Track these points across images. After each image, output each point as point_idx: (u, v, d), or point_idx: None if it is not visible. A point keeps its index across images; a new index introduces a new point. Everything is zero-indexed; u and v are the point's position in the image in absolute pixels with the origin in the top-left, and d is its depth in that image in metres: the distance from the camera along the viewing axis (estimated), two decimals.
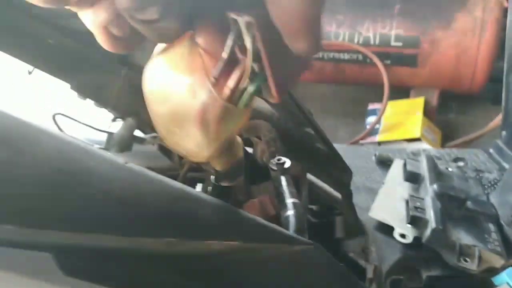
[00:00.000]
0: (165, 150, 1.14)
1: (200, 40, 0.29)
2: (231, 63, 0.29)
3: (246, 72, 0.28)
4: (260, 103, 0.84)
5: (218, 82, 0.29)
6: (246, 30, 0.27)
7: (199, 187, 0.51)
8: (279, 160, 0.72)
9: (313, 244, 0.41)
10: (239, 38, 0.28)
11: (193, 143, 0.31)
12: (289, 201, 0.65)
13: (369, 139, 2.02)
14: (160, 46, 0.31)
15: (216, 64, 0.29)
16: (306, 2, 0.25)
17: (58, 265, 0.29)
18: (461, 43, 1.94)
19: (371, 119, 2.14)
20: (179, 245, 0.32)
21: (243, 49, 0.28)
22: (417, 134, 1.85)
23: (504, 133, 1.14)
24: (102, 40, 0.28)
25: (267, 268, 0.39)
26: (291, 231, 0.60)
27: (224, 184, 0.36)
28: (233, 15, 0.27)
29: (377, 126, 2.05)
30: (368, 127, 2.08)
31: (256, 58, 0.28)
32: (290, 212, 0.63)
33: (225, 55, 0.28)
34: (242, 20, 0.26)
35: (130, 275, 0.31)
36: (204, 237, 0.33)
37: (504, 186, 0.91)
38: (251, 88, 0.29)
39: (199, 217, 0.33)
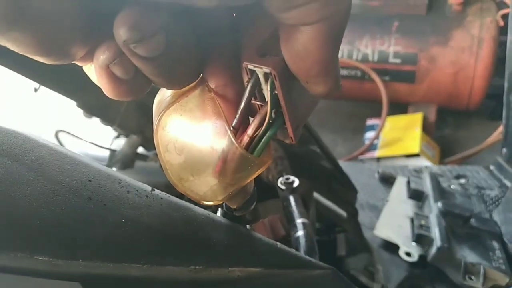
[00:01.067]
0: None
1: (212, 84, 0.28)
2: (249, 111, 0.29)
3: (266, 119, 0.28)
4: None
5: (237, 130, 0.28)
6: (264, 80, 0.27)
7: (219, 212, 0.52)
8: (287, 179, 0.73)
9: (331, 269, 0.41)
10: (256, 87, 0.27)
11: (207, 189, 0.30)
12: (299, 221, 0.66)
13: (368, 155, 2.03)
14: (172, 95, 0.30)
15: (232, 109, 0.28)
16: (321, 45, 0.25)
17: None
18: (459, 60, 1.96)
19: (369, 135, 2.15)
20: (203, 273, 0.32)
21: (260, 96, 0.28)
22: (416, 150, 1.86)
23: (504, 150, 1.15)
24: (105, 85, 0.26)
25: None
26: (301, 252, 0.60)
27: (237, 214, 0.35)
28: (250, 66, 0.26)
29: (375, 141, 2.07)
30: (366, 142, 2.09)
31: (274, 105, 0.27)
32: (300, 233, 0.63)
33: (242, 105, 0.28)
34: (261, 71, 0.26)
35: None
36: (227, 264, 0.33)
37: (507, 204, 0.92)
38: (269, 134, 0.28)
39: (222, 244, 0.33)
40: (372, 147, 2.05)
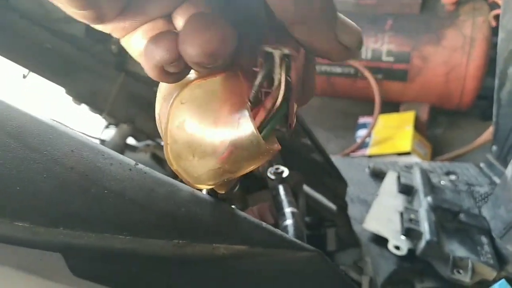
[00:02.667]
0: (158, 159, 1.14)
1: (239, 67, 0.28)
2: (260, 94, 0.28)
3: (278, 102, 0.27)
4: None
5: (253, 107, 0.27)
6: (279, 61, 0.26)
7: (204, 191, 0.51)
8: (277, 169, 0.72)
9: (316, 251, 0.41)
10: (269, 73, 0.27)
11: (203, 172, 0.29)
12: (288, 210, 0.65)
13: (360, 153, 2.03)
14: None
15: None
16: None
17: (67, 265, 0.28)
18: (451, 59, 1.97)
19: (361, 133, 2.15)
20: (187, 248, 0.31)
21: (268, 83, 0.27)
22: (408, 148, 1.87)
23: (494, 148, 1.16)
24: (152, 74, 0.26)
25: (271, 273, 0.39)
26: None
27: (221, 196, 0.35)
28: (268, 48, 0.26)
29: (367, 139, 2.07)
30: (358, 140, 2.09)
31: (287, 88, 0.27)
32: (289, 222, 0.63)
33: (258, 82, 0.27)
34: (279, 53, 0.25)
35: (137, 277, 0.31)
36: (212, 241, 0.32)
37: (496, 200, 0.93)
38: (275, 119, 0.28)
39: (207, 220, 0.33)
40: (364, 145, 2.05)
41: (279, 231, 0.38)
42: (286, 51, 0.25)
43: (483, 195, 1.06)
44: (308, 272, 0.41)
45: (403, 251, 0.83)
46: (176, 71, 0.25)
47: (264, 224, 0.38)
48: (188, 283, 0.33)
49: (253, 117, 0.27)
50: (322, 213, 0.93)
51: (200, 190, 0.34)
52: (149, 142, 1.02)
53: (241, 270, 0.36)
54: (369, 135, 2.05)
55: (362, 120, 2.26)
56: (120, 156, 0.31)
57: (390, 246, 0.84)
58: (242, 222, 0.36)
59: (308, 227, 0.96)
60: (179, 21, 0.26)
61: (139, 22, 0.26)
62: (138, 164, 0.32)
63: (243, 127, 0.26)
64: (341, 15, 0.26)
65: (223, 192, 0.33)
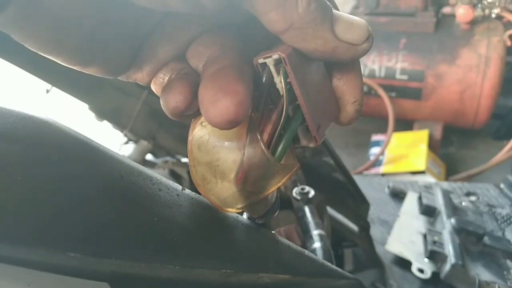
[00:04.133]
0: (176, 175, 1.13)
1: None
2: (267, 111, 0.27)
3: (283, 113, 0.25)
4: None
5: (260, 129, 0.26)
6: (276, 72, 0.25)
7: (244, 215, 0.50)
8: (303, 189, 0.71)
9: (356, 279, 0.40)
10: (270, 81, 0.26)
11: (228, 195, 0.28)
12: (316, 232, 0.64)
13: (373, 171, 2.01)
14: None
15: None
16: None
17: None
18: (465, 78, 1.96)
19: (374, 150, 2.14)
20: (233, 277, 0.30)
21: (275, 98, 0.26)
22: (422, 167, 1.85)
23: None
24: (171, 117, 0.27)
25: None
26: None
27: (259, 222, 0.34)
28: (260, 59, 0.25)
29: (380, 157, 2.05)
30: (371, 158, 2.08)
31: (290, 96, 0.25)
32: (317, 245, 0.62)
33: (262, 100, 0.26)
34: (271, 60, 0.24)
35: None
36: (257, 270, 0.32)
37: None
38: (289, 133, 0.27)
39: (253, 248, 0.32)
40: (377, 163, 2.04)
41: (320, 260, 0.37)
42: (276, 56, 0.24)
43: (505, 217, 1.04)
44: None
45: (427, 274, 0.81)
46: (191, 112, 0.26)
47: (306, 252, 0.37)
48: None
49: (262, 132, 0.26)
50: (342, 233, 0.91)
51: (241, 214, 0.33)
52: (167, 158, 1.02)
53: None
54: (382, 153, 2.04)
55: (375, 138, 2.25)
56: (167, 181, 0.31)
57: (414, 269, 0.83)
58: (285, 250, 0.35)
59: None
60: (193, 62, 0.27)
61: (154, 68, 0.27)
62: (185, 189, 0.31)
63: (252, 145, 0.26)
64: (339, 12, 0.25)
65: (258, 216, 0.33)
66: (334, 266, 0.39)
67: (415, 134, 2.11)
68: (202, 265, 0.29)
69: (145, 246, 0.27)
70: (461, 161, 2.24)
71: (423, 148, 1.95)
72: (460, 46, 1.98)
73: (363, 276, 0.88)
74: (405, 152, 2.01)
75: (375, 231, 0.95)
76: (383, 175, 1.96)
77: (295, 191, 0.71)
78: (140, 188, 0.28)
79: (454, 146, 2.36)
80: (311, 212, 0.67)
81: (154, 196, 0.28)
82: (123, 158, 0.29)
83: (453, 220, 0.88)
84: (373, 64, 2.14)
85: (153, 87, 0.29)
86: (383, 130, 2.17)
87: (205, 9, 0.22)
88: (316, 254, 0.59)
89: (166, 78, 0.28)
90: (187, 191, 0.31)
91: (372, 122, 2.45)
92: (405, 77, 2.08)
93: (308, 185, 0.81)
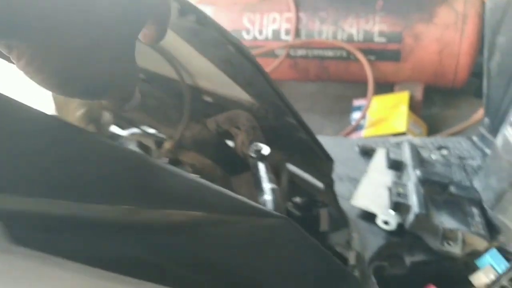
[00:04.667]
0: (144, 147, 1.12)
1: None
2: None
3: None
4: (238, 93, 0.83)
5: None
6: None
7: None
8: (256, 146, 0.71)
9: (283, 217, 0.39)
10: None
11: None
12: (267, 186, 0.64)
13: (355, 135, 2.01)
14: None
15: None
16: None
17: (8, 233, 0.27)
18: (443, 37, 1.95)
19: (356, 115, 2.13)
20: (136, 214, 0.30)
21: None
22: (403, 129, 1.85)
23: (486, 120, 1.14)
24: None
25: (235, 241, 0.37)
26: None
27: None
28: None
29: (362, 121, 2.05)
30: (353, 123, 2.07)
31: None
32: (268, 197, 0.61)
33: None
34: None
35: (84, 246, 0.30)
36: (163, 206, 0.31)
37: (487, 170, 0.91)
38: None
39: (158, 186, 0.32)
40: (359, 127, 2.04)
41: (242, 198, 0.37)
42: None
43: (475, 168, 1.04)
44: (277, 239, 0.40)
45: (392, 226, 0.82)
46: None
47: (225, 191, 0.36)
48: (141, 252, 0.32)
49: None
50: (310, 192, 0.92)
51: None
52: (134, 130, 1.01)
53: (202, 238, 0.35)
54: (363, 117, 2.04)
55: (356, 102, 2.24)
56: (65, 121, 0.30)
57: (379, 221, 0.83)
58: (200, 187, 0.35)
59: (300, 208, 0.95)
60: None
61: None
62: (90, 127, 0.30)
63: None
64: None
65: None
66: (258, 205, 0.39)
67: (395, 96, 2.10)
68: (100, 201, 0.28)
69: (34, 181, 0.26)
70: (444, 120, 2.24)
71: (404, 109, 1.95)
72: (437, 4, 1.95)
73: (339, 235, 0.89)
74: (386, 115, 2.00)
75: (343, 189, 0.95)
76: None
77: (250, 150, 0.70)
78: (25, 123, 0.27)
79: (437, 107, 2.36)
80: (265, 168, 0.67)
81: (47, 133, 0.28)
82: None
83: (418, 171, 0.88)
84: (350, 28, 2.11)
85: None
86: (365, 94, 2.16)
87: None
88: (265, 206, 0.58)
89: None
90: (91, 129, 0.31)
91: (354, 87, 2.44)
92: (383, 39, 2.06)
93: (271, 145, 0.81)
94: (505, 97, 1.05)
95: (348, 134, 2.04)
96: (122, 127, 1.11)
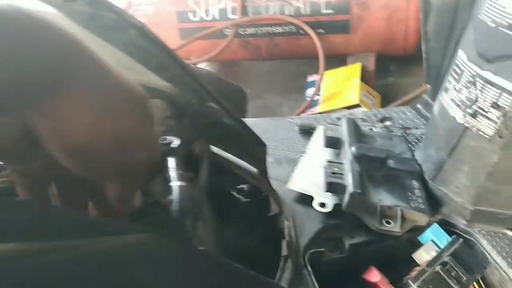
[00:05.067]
0: None
1: None
2: None
3: None
4: (154, 80, 0.76)
5: None
6: None
7: None
8: (163, 140, 0.65)
9: (150, 232, 0.33)
10: None
11: None
12: (175, 184, 0.57)
13: (310, 111, 1.97)
14: None
15: None
16: None
17: None
18: (391, 3, 1.91)
19: (310, 91, 2.09)
20: None
21: None
22: (355, 100, 1.81)
23: (428, 86, 1.10)
24: None
25: (87, 272, 0.30)
26: (173, 217, 0.52)
27: None
28: None
29: (316, 97, 2.01)
30: (308, 99, 2.03)
31: None
32: (173, 197, 0.55)
33: None
34: None
35: None
36: None
37: (426, 140, 0.87)
38: None
39: None
40: (313, 103, 1.99)
41: (85, 216, 0.31)
42: None
43: (419, 137, 1.01)
44: (147, 261, 0.34)
45: (328, 208, 0.77)
46: None
47: (60, 208, 0.30)
48: None
49: None
50: (246, 179, 0.86)
51: None
52: None
53: (36, 275, 0.28)
54: (317, 92, 1.99)
55: (310, 78, 2.20)
56: None
57: (315, 203, 0.78)
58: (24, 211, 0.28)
59: (248, 194, 0.90)
60: None
61: None
62: None
63: None
64: None
65: None
66: (113, 221, 0.33)
67: (347, 69, 2.06)
68: None
69: None
70: (400, 89, 2.22)
71: (356, 81, 1.91)
72: None
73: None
74: (339, 89, 1.96)
75: (281, 172, 0.90)
76: (320, 114, 1.92)
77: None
78: None
79: (392, 76, 2.34)
80: (175, 163, 0.61)
81: None
82: None
83: (353, 148, 0.83)
84: (297, 1, 2.05)
85: None
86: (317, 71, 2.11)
87: None
88: (172, 207, 0.52)
89: None
90: None
91: (309, 64, 2.39)
92: (330, 11, 2.01)
93: (198, 134, 0.75)
94: (444, 61, 1.01)
95: (304, 111, 1.99)
96: None
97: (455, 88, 0.75)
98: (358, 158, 0.82)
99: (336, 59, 2.15)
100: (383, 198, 0.77)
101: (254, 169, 0.86)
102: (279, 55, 2.26)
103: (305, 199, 0.81)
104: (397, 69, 2.31)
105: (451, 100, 0.76)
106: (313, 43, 2.03)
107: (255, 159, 0.84)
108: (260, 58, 2.35)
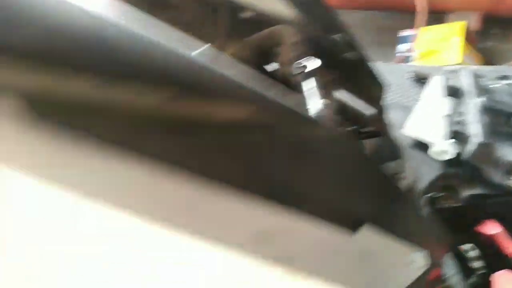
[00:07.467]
0: None
1: None
2: None
3: None
4: (280, 7, 0.75)
5: None
6: None
7: None
8: (298, 63, 0.64)
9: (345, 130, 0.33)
10: None
11: None
12: (319, 101, 0.57)
13: None
14: None
15: None
16: None
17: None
18: None
19: (403, 47, 1.99)
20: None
21: None
22: (458, 60, 1.70)
23: None
24: None
25: (288, 149, 0.31)
26: None
27: None
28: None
29: (409, 54, 1.91)
30: (399, 55, 1.94)
31: None
32: (321, 112, 0.55)
33: None
34: None
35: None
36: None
37: None
38: None
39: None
40: (406, 59, 1.90)
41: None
42: None
43: None
44: (334, 151, 0.34)
45: (448, 156, 0.75)
46: None
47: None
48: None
49: None
50: (360, 119, 0.85)
51: None
52: None
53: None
54: (411, 48, 1.89)
55: (403, 33, 2.09)
56: None
57: (435, 150, 0.76)
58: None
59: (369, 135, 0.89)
60: None
61: None
62: None
63: None
64: None
65: None
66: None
67: (448, 26, 1.93)
68: None
69: None
70: (502, 56, 2.07)
71: (458, 40, 1.79)
72: None
73: (390, 166, 0.83)
74: (437, 47, 1.85)
75: (395, 117, 0.88)
76: None
77: (295, 68, 0.63)
78: None
79: (493, 40, 2.17)
80: (315, 82, 0.60)
81: None
82: None
83: (480, 99, 0.79)
84: None
85: None
86: (413, 26, 2.00)
87: None
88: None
89: None
90: None
91: (401, 18, 2.27)
92: None
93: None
94: None
95: None
96: None
97: None
98: (486, 110, 0.78)
99: (435, 17, 2.02)
100: (509, 153, 0.74)
101: (369, 110, 0.84)
102: (374, 6, 2.15)
103: (420, 146, 0.79)
104: (500, 33, 2.14)
105: None
106: None
107: (373, 99, 0.82)
108: (353, 8, 2.26)
